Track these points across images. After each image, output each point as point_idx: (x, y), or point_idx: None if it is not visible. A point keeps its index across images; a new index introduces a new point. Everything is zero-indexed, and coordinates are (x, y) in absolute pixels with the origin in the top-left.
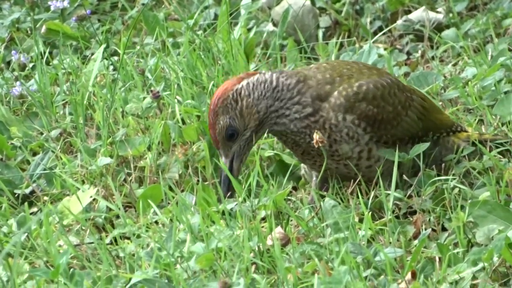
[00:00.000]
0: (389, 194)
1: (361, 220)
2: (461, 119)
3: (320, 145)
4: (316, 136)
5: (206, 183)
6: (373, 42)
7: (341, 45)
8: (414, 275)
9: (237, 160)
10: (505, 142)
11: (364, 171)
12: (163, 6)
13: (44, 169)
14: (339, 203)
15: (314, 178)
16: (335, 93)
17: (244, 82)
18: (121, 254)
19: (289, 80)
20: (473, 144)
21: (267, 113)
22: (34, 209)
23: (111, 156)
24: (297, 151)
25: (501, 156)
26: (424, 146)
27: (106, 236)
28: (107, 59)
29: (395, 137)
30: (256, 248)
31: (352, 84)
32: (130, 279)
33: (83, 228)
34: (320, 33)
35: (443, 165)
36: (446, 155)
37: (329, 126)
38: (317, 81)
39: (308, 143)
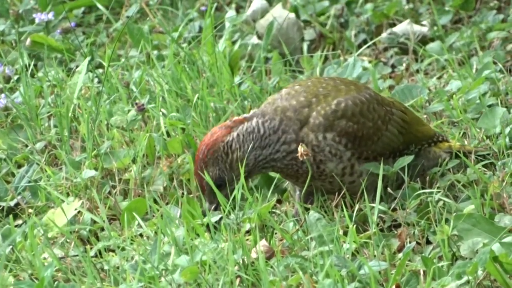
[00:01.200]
0: (373, 207)
1: (345, 233)
2: (445, 132)
3: (305, 157)
4: (300, 148)
5: (191, 195)
6: (358, 55)
7: (326, 58)
8: None
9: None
10: (488, 154)
11: (348, 186)
12: (147, 18)
13: (29, 182)
14: (324, 216)
15: (298, 192)
16: (314, 113)
17: (234, 134)
18: (106, 267)
19: (272, 122)
20: (456, 156)
21: (255, 163)
22: (19, 222)
23: (95, 169)
24: (281, 174)
25: (485, 169)
26: (409, 159)
27: (91, 248)
28: (92, 72)
29: (376, 152)
30: (241, 261)
31: (329, 102)
32: None
33: (68, 240)
34: (305, 46)
35: (427, 177)
36: (429, 166)
37: (312, 148)
38: (294, 109)
39: (296, 171)
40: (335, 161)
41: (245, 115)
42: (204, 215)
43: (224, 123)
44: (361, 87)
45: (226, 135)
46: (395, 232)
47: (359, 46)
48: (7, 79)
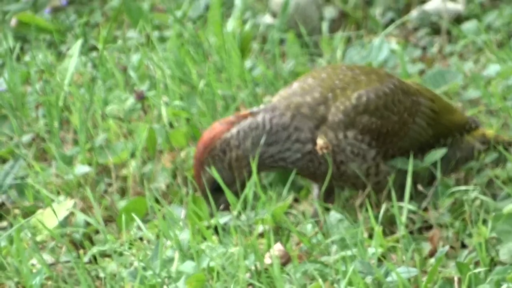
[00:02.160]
0: (402, 206)
1: (370, 236)
2: (483, 122)
3: (324, 151)
4: (320, 141)
5: (197, 194)
6: (385, 35)
7: (348, 39)
8: None
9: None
10: None
11: (373, 186)
12: None
13: (15, 179)
14: (346, 217)
15: (316, 190)
16: (332, 110)
17: (234, 130)
18: (101, 274)
19: (283, 118)
20: (494, 148)
21: (260, 161)
22: (4, 224)
23: (89, 164)
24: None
25: None
26: (441, 152)
27: (85, 253)
28: (85, 55)
29: (403, 149)
30: (253, 268)
31: (349, 96)
32: None
33: (59, 245)
34: (325, 26)
35: (462, 173)
36: (462, 159)
37: (332, 149)
38: (309, 106)
39: (313, 172)
40: (358, 161)
41: (252, 109)
42: (212, 216)
43: (227, 118)
44: (383, 76)
45: (225, 132)
46: (426, 235)
47: (386, 26)
48: None
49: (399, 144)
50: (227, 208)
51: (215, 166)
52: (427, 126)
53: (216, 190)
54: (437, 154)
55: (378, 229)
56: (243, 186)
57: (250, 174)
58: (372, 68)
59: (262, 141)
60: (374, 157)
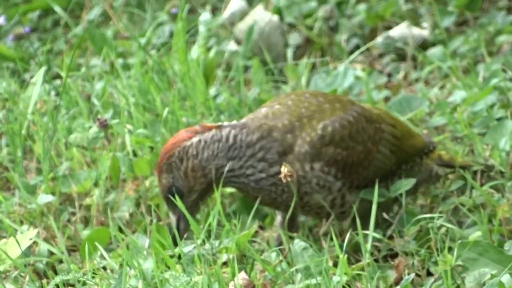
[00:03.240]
0: (367, 234)
1: (335, 264)
2: (449, 149)
3: (289, 179)
4: (284, 169)
5: (161, 223)
6: (350, 62)
7: (313, 65)
8: None
9: (184, 220)
10: (489, 170)
11: (338, 216)
12: (111, 22)
13: None
14: (311, 245)
15: (279, 218)
16: (299, 141)
17: (195, 139)
18: None
19: (249, 136)
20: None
21: (218, 175)
22: None
23: (53, 193)
24: (255, 198)
25: (493, 191)
26: (410, 182)
27: (48, 283)
28: (48, 83)
29: (368, 179)
30: None
31: (314, 126)
32: None
33: (22, 274)
34: (290, 52)
35: (428, 200)
36: (421, 181)
37: (297, 180)
38: (279, 132)
39: (274, 199)
40: (323, 193)
41: (221, 123)
42: (175, 242)
43: (193, 127)
44: (346, 104)
45: (186, 140)
46: (392, 262)
47: (351, 52)
48: None
49: (364, 174)
50: (185, 227)
51: (172, 173)
52: (390, 153)
53: (173, 196)
54: (405, 185)
55: (343, 257)
56: (200, 196)
57: (207, 186)
58: (335, 95)
59: (221, 154)
60: (340, 189)
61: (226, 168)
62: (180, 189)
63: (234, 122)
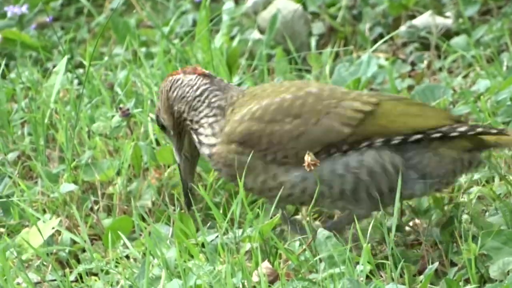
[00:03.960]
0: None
1: (359, 254)
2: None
3: (312, 168)
4: (307, 158)
5: (183, 211)
6: (373, 51)
7: (337, 54)
8: None
9: (183, 162)
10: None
11: (289, 200)
12: (134, 11)
13: (0, 197)
14: (335, 234)
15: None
16: (230, 118)
17: (177, 77)
18: None
19: (214, 99)
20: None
21: (180, 119)
22: None
23: (75, 182)
24: None
25: None
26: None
27: (71, 272)
28: (71, 72)
29: (297, 149)
30: (240, 286)
31: (241, 112)
32: None
33: (45, 263)
34: (313, 42)
35: (451, 189)
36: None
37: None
38: (230, 109)
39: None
40: (249, 175)
41: (215, 76)
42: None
43: (191, 67)
44: (302, 86)
45: (174, 75)
46: (415, 251)
47: (374, 41)
48: None
49: (292, 144)
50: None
51: (158, 102)
52: (341, 125)
53: (161, 127)
54: None
55: (366, 246)
56: (179, 143)
57: (174, 124)
58: (305, 81)
59: (187, 99)
60: (265, 169)
61: (185, 115)
62: (162, 122)
63: (231, 83)
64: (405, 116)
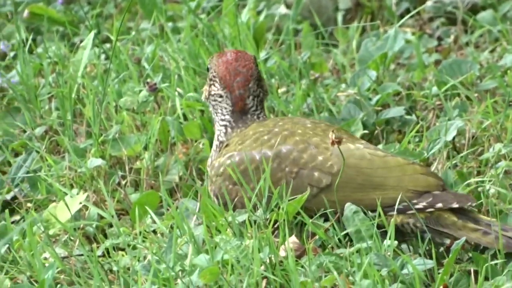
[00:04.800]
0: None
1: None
2: (499, 113)
3: (336, 145)
4: (331, 135)
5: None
6: (399, 26)
7: (363, 29)
8: None
9: None
10: None
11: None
12: None
13: (28, 172)
14: (362, 209)
15: None
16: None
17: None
18: (115, 268)
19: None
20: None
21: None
22: (16, 217)
23: (103, 157)
24: None
25: None
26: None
27: (98, 247)
28: (98, 47)
29: None
30: (268, 260)
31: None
32: None
33: (72, 238)
34: (340, 16)
35: (477, 164)
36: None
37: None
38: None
39: None
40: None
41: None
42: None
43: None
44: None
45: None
46: None
47: (401, 16)
48: (3, 56)
49: None
50: None
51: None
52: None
53: None
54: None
55: (393, 220)
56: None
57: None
58: (327, 127)
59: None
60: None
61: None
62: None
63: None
64: (362, 191)
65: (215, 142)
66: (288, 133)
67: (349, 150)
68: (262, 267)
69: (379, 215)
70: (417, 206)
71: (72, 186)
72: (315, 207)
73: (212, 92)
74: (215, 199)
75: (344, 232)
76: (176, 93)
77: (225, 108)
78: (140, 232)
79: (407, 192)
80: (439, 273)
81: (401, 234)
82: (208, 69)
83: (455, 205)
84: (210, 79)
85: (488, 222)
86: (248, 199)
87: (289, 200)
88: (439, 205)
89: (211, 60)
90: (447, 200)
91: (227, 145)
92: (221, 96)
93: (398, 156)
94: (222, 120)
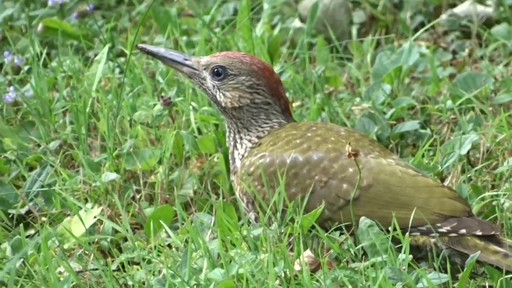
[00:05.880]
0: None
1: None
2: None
3: (353, 158)
4: (348, 147)
5: (225, 200)
6: (414, 39)
7: (378, 43)
8: None
9: None
10: None
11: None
12: (175, 0)
13: (42, 186)
14: (376, 223)
15: None
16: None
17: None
18: (130, 282)
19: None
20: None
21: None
22: (31, 232)
23: (117, 171)
24: None
25: None
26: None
27: (112, 261)
28: (112, 61)
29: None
30: (282, 274)
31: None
32: None
33: (86, 252)
34: (354, 30)
35: (492, 178)
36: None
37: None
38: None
39: None
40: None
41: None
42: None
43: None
44: (319, 141)
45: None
46: None
47: (416, 30)
48: (17, 70)
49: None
50: None
51: None
52: (329, 204)
53: None
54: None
55: (407, 235)
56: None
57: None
58: (359, 136)
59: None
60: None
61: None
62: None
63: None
64: (388, 208)
65: (248, 144)
66: (320, 139)
67: (380, 165)
68: (277, 281)
69: (395, 229)
70: (440, 230)
71: (86, 200)
72: (340, 219)
73: (257, 101)
74: (244, 198)
75: (359, 246)
76: (191, 107)
77: (273, 113)
78: (155, 246)
79: (433, 215)
80: (454, 287)
81: (419, 250)
82: (225, 73)
83: (479, 233)
84: (249, 87)
85: (511, 244)
86: (263, 212)
87: (315, 210)
88: (463, 231)
89: (232, 64)
90: (471, 226)
91: (259, 144)
92: (268, 103)
93: (429, 177)
94: (266, 123)
